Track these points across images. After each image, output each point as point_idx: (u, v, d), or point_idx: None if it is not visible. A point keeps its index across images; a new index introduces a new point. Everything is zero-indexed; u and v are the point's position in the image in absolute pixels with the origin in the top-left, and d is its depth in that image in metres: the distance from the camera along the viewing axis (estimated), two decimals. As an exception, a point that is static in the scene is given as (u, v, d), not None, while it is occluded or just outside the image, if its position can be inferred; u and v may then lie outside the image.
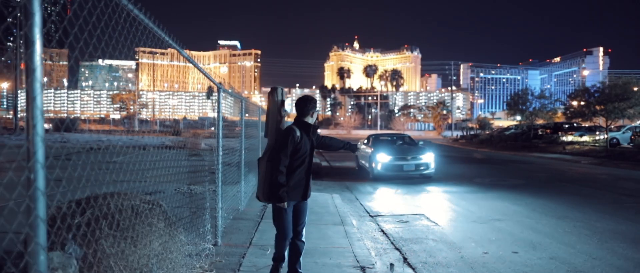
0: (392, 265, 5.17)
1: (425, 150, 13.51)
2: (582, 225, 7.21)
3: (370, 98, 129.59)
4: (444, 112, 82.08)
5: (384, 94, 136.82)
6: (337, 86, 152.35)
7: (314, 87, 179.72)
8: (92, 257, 3.24)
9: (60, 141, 24.54)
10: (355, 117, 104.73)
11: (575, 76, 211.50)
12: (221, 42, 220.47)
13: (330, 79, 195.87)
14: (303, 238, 4.09)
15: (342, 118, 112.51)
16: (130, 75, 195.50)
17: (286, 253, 4.09)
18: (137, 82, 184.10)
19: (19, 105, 42.75)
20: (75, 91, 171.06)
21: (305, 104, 4.01)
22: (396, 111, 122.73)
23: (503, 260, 5.37)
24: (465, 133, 54.63)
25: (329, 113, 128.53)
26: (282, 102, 4.14)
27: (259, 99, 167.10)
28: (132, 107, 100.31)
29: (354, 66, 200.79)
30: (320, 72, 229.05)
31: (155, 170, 4.17)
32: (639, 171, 16.37)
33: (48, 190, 1.69)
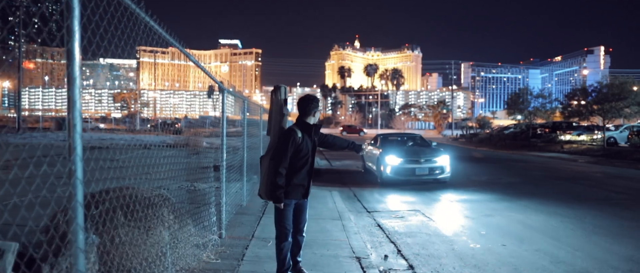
0: (386, 256, 5.50)
1: (440, 152, 12.16)
2: (569, 220, 7.52)
3: (370, 97, 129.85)
4: (444, 111, 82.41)
5: (385, 93, 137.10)
6: (338, 85, 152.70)
7: (314, 86, 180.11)
8: (109, 243, 3.55)
9: (63, 140, 24.92)
10: (355, 116, 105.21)
11: (576, 75, 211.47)
12: (222, 41, 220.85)
13: (331, 78, 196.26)
14: (304, 234, 4.21)
15: (342, 117, 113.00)
16: (131, 74, 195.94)
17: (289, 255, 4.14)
18: (139, 81, 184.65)
19: (19, 104, 43.09)
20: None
21: (307, 104, 4.03)
22: (397, 110, 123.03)
23: (491, 252, 5.69)
24: (465, 132, 54.92)
25: (329, 112, 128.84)
26: (285, 100, 4.16)
27: (260, 98, 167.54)
28: (133, 106, 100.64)
29: (354, 65, 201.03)
30: (321, 71, 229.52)
31: (159, 168, 4.25)
32: (633, 170, 16.66)
33: (61, 184, 2.00)
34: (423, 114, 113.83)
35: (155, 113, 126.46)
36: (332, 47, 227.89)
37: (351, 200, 9.72)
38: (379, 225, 7.26)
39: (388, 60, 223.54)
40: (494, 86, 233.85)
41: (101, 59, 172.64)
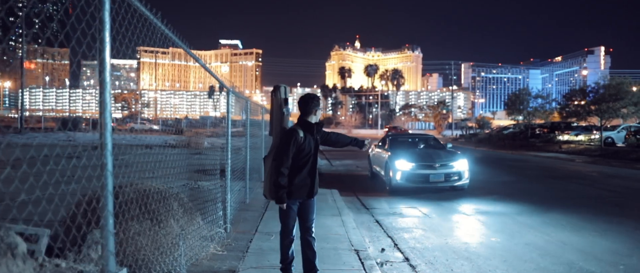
0: (383, 249, 5.79)
1: (457, 156, 10.81)
2: (561, 216, 7.80)
3: (371, 98, 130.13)
4: (444, 111, 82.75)
5: (385, 93, 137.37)
6: (338, 86, 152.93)
7: (315, 86, 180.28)
8: (123, 233, 3.83)
9: (65, 140, 25.18)
10: (356, 116, 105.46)
11: (576, 75, 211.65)
12: (222, 41, 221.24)
13: (331, 79, 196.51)
14: (313, 235, 4.10)
15: (343, 117, 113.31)
16: (132, 74, 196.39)
17: (292, 252, 4.15)
18: (139, 82, 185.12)
19: (22, 105, 43.40)
20: (77, 90, 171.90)
21: (308, 103, 4.01)
22: (397, 110, 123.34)
23: (483, 245, 5.98)
24: (464, 132, 55.24)
25: (330, 112, 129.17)
26: (285, 100, 4.17)
27: (260, 98, 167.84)
28: (134, 106, 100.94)
29: (355, 65, 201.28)
30: (322, 72, 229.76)
31: (162, 168, 4.34)
32: (629, 169, 16.93)
33: (73, 180, 2.28)
34: (423, 115, 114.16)
35: (156, 113, 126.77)
36: (332, 48, 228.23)
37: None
38: (377, 221, 7.54)
39: (388, 60, 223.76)
40: (494, 86, 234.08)
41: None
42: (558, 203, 9.24)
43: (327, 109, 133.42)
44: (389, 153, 11.10)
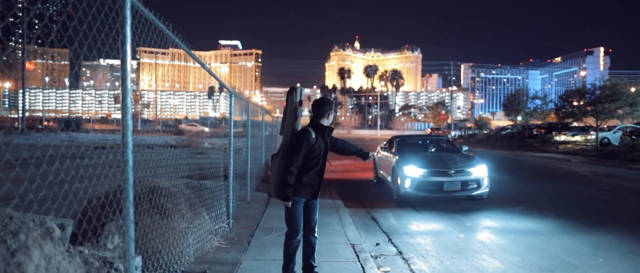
0: (378, 244, 6.10)
1: (475, 160, 9.56)
2: (551, 213, 8.10)
3: (370, 98, 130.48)
4: (444, 112, 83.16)
5: (385, 94, 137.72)
6: (338, 86, 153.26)
7: (314, 86, 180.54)
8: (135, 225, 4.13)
9: (68, 140, 25.47)
10: (355, 117, 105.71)
11: (575, 76, 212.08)
12: (222, 42, 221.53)
13: (331, 79, 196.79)
14: (316, 235, 4.22)
15: (342, 118, 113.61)
16: (132, 75, 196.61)
17: (298, 252, 4.18)
18: (139, 82, 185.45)
19: (23, 105, 43.70)
20: (77, 91, 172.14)
21: (321, 106, 4.12)
22: (397, 111, 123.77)
23: (474, 240, 6.29)
24: (463, 133, 55.60)
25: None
26: (300, 102, 4.23)
27: (260, 99, 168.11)
28: (134, 107, 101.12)
29: (354, 65, 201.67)
30: (321, 72, 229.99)
31: (165, 166, 4.44)
32: (622, 169, 17.23)
33: (86, 178, 2.58)
34: (423, 115, 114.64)
35: (156, 113, 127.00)
36: (332, 48, 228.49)
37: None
38: (373, 218, 7.84)
39: (388, 61, 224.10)
40: (493, 87, 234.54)
41: (101, 60, 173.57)
42: (548, 201, 9.57)
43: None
44: (397, 158, 9.81)
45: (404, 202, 9.18)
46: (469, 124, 65.23)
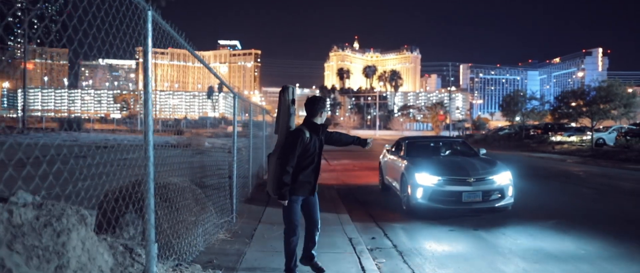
0: (373, 238, 6.43)
1: (497, 166, 8.23)
2: (539, 209, 8.44)
3: (369, 98, 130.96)
4: (442, 112, 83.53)
5: (383, 94, 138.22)
6: (337, 86, 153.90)
7: (313, 87, 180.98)
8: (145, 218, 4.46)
9: (70, 140, 25.78)
10: (354, 117, 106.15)
11: (574, 76, 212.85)
12: (221, 42, 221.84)
13: (330, 79, 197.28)
14: (319, 228, 4.33)
15: (342, 118, 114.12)
16: (131, 75, 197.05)
17: (298, 249, 4.29)
18: (138, 82, 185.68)
19: (24, 105, 43.98)
20: (76, 91, 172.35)
21: (314, 105, 4.18)
22: (395, 111, 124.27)
23: (465, 233, 6.62)
24: (461, 133, 56.02)
25: (329, 113, 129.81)
26: (293, 100, 4.29)
27: (259, 99, 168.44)
28: (132, 107, 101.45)
29: (353, 66, 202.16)
30: (320, 72, 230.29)
31: (167, 165, 4.57)
32: (616, 169, 17.59)
33: (89, 176, 2.91)
34: (422, 116, 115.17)
35: (156, 113, 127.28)
36: (331, 48, 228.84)
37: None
38: (369, 214, 8.18)
39: (387, 61, 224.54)
40: (492, 88, 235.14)
41: (100, 60, 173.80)
42: (539, 198, 9.88)
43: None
44: (406, 162, 8.62)
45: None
46: (467, 125, 65.72)
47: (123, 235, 3.90)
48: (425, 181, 7.75)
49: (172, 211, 4.71)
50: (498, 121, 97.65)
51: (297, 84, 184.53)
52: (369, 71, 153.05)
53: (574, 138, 32.27)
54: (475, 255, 5.69)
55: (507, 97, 36.97)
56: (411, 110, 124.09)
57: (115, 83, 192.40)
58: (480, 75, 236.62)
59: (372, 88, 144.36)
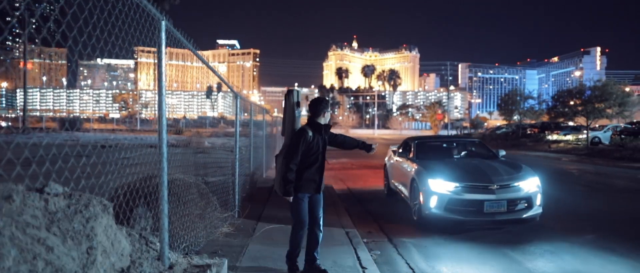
0: (369, 232, 6.74)
1: (523, 171, 7.28)
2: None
3: (368, 98, 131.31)
4: (440, 112, 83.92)
5: (382, 93, 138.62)
6: (336, 86, 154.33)
7: (312, 86, 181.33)
8: (154, 211, 4.75)
9: (70, 140, 26.06)
10: (353, 116, 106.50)
11: (572, 75, 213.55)
12: (220, 41, 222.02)
13: (328, 79, 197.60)
14: (321, 228, 4.42)
15: (340, 117, 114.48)
16: (131, 75, 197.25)
17: (304, 243, 4.41)
18: (136, 81, 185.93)
19: (25, 104, 44.16)
20: (75, 91, 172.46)
21: (317, 106, 4.36)
22: (394, 110, 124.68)
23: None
24: (459, 132, 56.42)
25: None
26: (298, 103, 4.46)
27: (258, 98, 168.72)
28: (131, 106, 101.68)
29: (352, 65, 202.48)
30: (319, 72, 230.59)
31: (172, 162, 4.70)
32: (610, 167, 17.88)
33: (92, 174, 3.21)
34: (420, 115, 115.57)
35: (154, 113, 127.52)
36: (330, 48, 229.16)
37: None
38: (366, 210, 8.47)
39: (386, 60, 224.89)
40: (491, 87, 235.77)
41: (98, 59, 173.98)
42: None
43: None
44: (417, 166, 7.64)
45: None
46: (465, 124, 66.15)
47: (135, 226, 4.19)
48: (440, 188, 6.76)
49: (179, 204, 5.01)
50: (497, 120, 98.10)
51: (296, 84, 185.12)
52: (367, 71, 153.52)
53: (570, 137, 32.65)
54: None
55: (505, 96, 37.37)
56: (410, 109, 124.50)
57: (114, 83, 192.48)
58: (479, 74, 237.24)
59: (370, 87, 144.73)
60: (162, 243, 3.19)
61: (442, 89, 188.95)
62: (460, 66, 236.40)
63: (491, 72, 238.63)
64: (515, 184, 6.85)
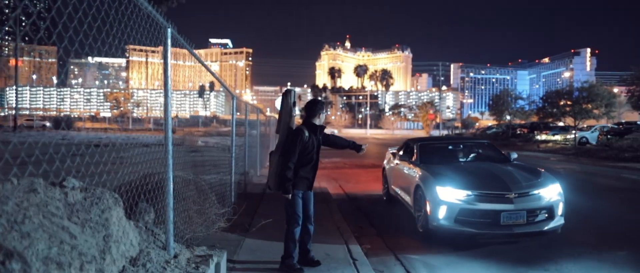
0: (361, 227, 7.03)
1: (542, 176, 6.48)
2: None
3: (360, 97, 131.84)
4: (432, 111, 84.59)
5: (375, 93, 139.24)
6: (329, 85, 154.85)
7: (305, 86, 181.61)
8: (155, 206, 4.99)
9: (62, 138, 26.09)
10: (345, 116, 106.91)
11: (562, 76, 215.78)
12: (212, 40, 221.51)
13: (321, 78, 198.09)
14: (312, 222, 4.65)
15: (333, 117, 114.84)
16: (123, 74, 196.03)
17: (298, 242, 4.52)
18: (128, 80, 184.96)
19: (17, 103, 43.90)
20: (66, 89, 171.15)
21: (313, 107, 4.58)
22: (386, 110, 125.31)
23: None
24: (450, 132, 57.02)
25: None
26: (294, 103, 4.63)
27: (251, 97, 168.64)
28: (123, 106, 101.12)
29: (345, 65, 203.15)
30: (312, 71, 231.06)
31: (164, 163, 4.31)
32: (596, 167, 18.33)
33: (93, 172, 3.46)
34: (413, 115, 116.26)
35: (147, 112, 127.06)
36: (322, 47, 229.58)
37: None
38: (356, 207, 8.75)
39: (378, 60, 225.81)
40: (483, 87, 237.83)
41: (89, 58, 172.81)
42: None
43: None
44: (422, 171, 6.84)
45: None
46: (456, 124, 66.85)
47: (139, 220, 4.44)
48: (449, 197, 5.96)
49: (179, 200, 5.25)
50: (488, 120, 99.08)
51: (289, 84, 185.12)
52: (360, 70, 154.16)
53: (558, 137, 33.23)
54: None
55: (495, 97, 37.96)
56: (402, 109, 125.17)
57: (105, 81, 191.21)
58: (471, 74, 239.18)
59: (363, 87, 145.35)
60: (168, 234, 3.44)
61: (434, 89, 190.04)
62: (452, 66, 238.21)
63: (483, 72, 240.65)
64: (535, 192, 6.04)
